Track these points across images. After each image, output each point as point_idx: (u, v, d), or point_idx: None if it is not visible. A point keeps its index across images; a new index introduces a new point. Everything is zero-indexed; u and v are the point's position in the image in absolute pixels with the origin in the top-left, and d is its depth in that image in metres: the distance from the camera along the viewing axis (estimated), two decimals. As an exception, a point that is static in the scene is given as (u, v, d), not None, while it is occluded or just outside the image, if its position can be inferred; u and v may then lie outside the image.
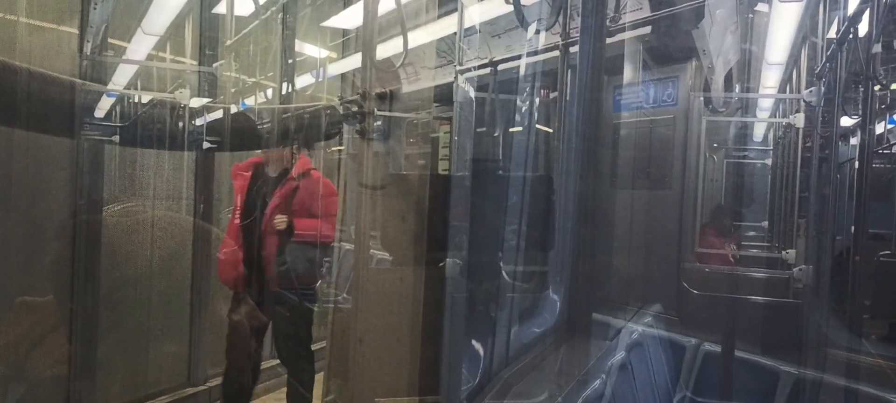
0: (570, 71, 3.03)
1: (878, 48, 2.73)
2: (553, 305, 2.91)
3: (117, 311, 3.21)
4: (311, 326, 3.32)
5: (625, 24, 3.00)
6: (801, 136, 3.63)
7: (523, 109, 3.32)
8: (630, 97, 3.68)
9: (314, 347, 4.62)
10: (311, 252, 3.13)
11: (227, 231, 3.18)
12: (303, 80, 4.59)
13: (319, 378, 3.65)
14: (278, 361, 4.26)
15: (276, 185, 3.11)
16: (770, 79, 4.21)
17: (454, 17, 3.27)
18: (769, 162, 5.12)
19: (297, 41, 4.37)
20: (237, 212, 3.13)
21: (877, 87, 2.98)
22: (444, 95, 3.61)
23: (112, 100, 3.11)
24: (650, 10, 2.94)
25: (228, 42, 3.73)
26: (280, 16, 4.16)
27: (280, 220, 3.01)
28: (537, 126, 3.49)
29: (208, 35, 3.72)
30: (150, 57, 3.59)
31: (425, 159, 3.57)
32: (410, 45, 2.50)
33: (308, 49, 4.65)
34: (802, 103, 3.51)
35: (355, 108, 2.57)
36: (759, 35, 3.80)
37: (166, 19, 3.38)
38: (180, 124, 3.21)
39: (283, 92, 4.20)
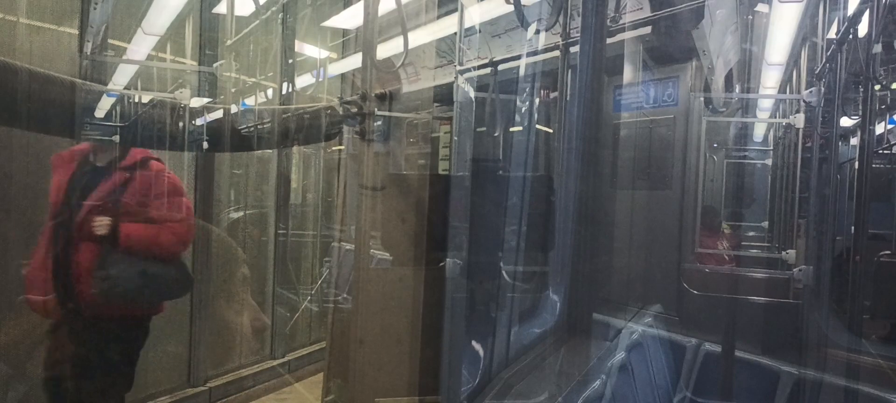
0: (570, 71, 3.03)
1: (877, 48, 2.73)
2: (553, 305, 2.91)
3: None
4: (132, 375, 2.55)
5: (625, 24, 3.00)
6: (801, 137, 3.63)
7: (523, 109, 3.32)
8: (630, 97, 3.69)
9: (314, 348, 4.64)
10: (145, 267, 2.39)
11: (40, 238, 2.40)
12: (303, 80, 4.59)
13: (319, 378, 3.65)
14: (277, 361, 4.30)
15: (99, 178, 2.41)
16: (770, 80, 4.21)
17: (454, 17, 3.28)
18: (769, 162, 5.12)
19: (297, 41, 4.38)
20: (53, 213, 2.41)
21: (877, 88, 2.98)
22: (444, 95, 3.61)
23: (112, 100, 3.10)
24: (650, 10, 2.94)
25: (228, 42, 3.73)
26: (280, 16, 4.16)
27: (100, 223, 2.31)
28: (537, 126, 3.49)
29: (208, 35, 3.72)
30: (150, 57, 3.59)
31: (425, 159, 3.57)
32: (411, 46, 2.51)
33: (308, 49, 4.65)
34: (802, 104, 3.51)
35: (355, 109, 2.57)
36: (759, 35, 3.80)
37: (166, 19, 3.38)
38: (180, 124, 3.20)
39: (284, 92, 4.20)
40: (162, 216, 2.44)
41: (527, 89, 3.28)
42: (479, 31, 3.51)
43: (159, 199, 2.47)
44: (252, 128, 3.88)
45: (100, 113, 2.99)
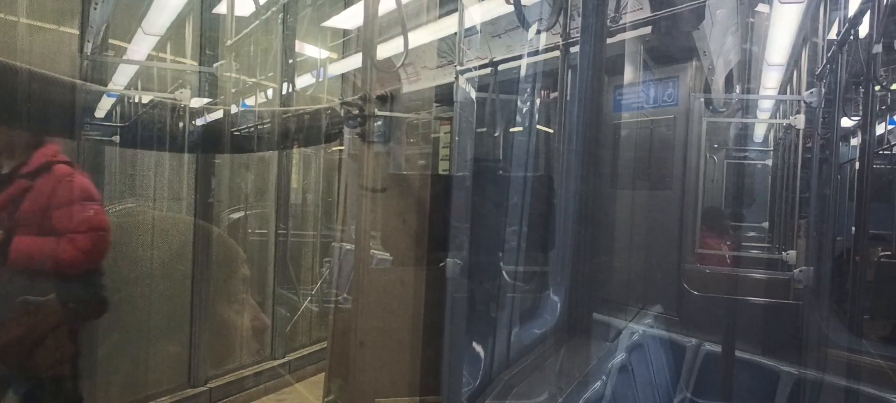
0: (570, 71, 3.03)
1: (878, 49, 2.74)
2: (553, 306, 2.91)
3: (118, 311, 3.20)
4: (76, 390, 2.38)
5: (625, 24, 3.00)
6: (801, 137, 3.63)
7: (524, 109, 3.31)
8: (630, 97, 3.69)
9: (315, 348, 4.64)
10: (33, 287, 2.17)
11: None
12: (303, 81, 4.59)
13: (320, 378, 3.65)
14: (278, 361, 4.30)
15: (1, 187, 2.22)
16: (770, 81, 4.21)
17: (454, 17, 3.27)
18: (770, 163, 5.12)
19: (297, 41, 4.38)
20: None
21: (877, 88, 2.99)
22: (444, 95, 3.61)
23: (112, 100, 3.11)
24: (650, 11, 2.94)
25: (229, 42, 3.73)
26: (280, 16, 4.16)
27: None
28: (538, 126, 3.49)
29: (209, 35, 3.72)
30: (150, 57, 3.59)
31: (426, 159, 3.57)
32: (411, 46, 2.51)
33: (308, 49, 4.65)
34: (803, 104, 3.52)
35: (356, 111, 2.57)
36: (759, 36, 3.80)
37: (166, 19, 3.39)
38: (180, 124, 3.20)
39: (284, 92, 4.21)
40: (64, 227, 2.17)
41: (527, 89, 3.28)
42: (480, 31, 3.51)
43: (62, 208, 2.20)
44: (252, 129, 3.88)
45: (100, 113, 2.99)
